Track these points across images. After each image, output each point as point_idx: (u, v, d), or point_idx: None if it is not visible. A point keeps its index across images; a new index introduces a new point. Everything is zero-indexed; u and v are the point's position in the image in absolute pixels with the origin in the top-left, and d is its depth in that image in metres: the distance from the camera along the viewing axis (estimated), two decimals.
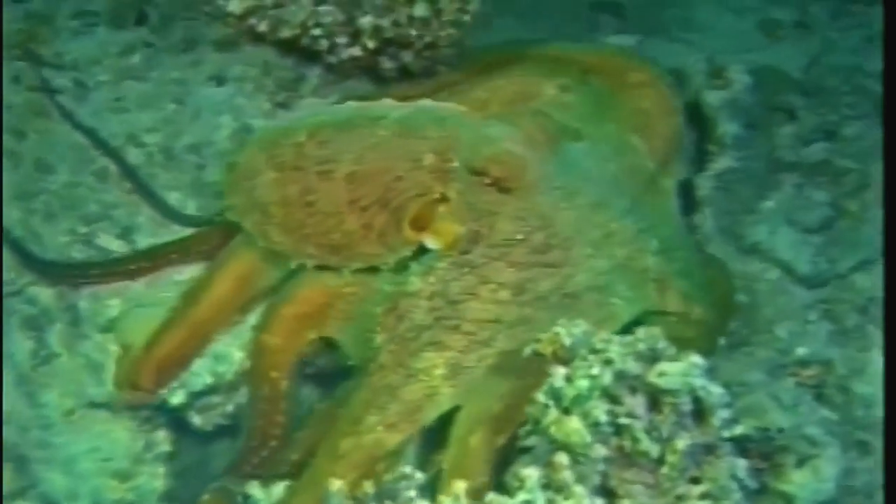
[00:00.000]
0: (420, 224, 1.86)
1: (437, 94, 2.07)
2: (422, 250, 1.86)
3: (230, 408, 1.95)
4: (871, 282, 2.31)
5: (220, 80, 2.20)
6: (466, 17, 1.97)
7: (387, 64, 2.05)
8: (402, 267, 1.87)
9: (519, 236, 1.85)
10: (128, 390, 1.93)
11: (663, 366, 1.56)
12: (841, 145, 2.56)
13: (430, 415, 1.78)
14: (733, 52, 2.72)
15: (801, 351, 2.17)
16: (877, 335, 2.23)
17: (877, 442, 1.97)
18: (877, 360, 2.18)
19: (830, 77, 2.79)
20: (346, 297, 1.92)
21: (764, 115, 2.64)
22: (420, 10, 1.92)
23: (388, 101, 1.95)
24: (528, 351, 1.65)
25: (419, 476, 1.51)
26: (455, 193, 1.86)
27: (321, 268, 1.90)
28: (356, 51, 1.98)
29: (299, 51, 2.09)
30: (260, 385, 1.91)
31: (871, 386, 2.13)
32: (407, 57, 2.04)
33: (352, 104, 1.97)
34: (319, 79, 2.13)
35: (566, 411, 1.53)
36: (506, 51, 2.30)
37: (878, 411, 2.08)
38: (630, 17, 3.04)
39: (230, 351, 1.93)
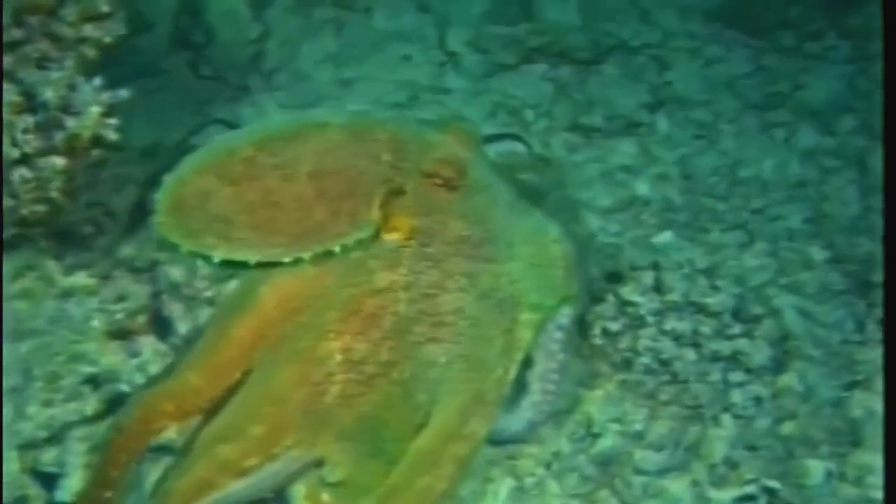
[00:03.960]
0: (383, 210, 1.99)
1: None
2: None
3: None
4: (558, 436, 2.33)
5: None
6: (55, 195, 1.92)
7: (7, 233, 1.97)
8: (358, 265, 1.96)
9: (465, 232, 2.03)
10: None
11: None
12: None
13: None
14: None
15: None
16: (557, 490, 2.24)
17: None
18: None
19: None
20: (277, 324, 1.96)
21: None
22: None
23: (320, 111, 2.15)
24: None
25: None
26: (410, 189, 2.03)
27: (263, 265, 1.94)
28: None
29: None
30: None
31: None
32: (14, 230, 1.96)
33: (289, 117, 2.13)
34: None
35: None
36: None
37: None
38: None
39: None
